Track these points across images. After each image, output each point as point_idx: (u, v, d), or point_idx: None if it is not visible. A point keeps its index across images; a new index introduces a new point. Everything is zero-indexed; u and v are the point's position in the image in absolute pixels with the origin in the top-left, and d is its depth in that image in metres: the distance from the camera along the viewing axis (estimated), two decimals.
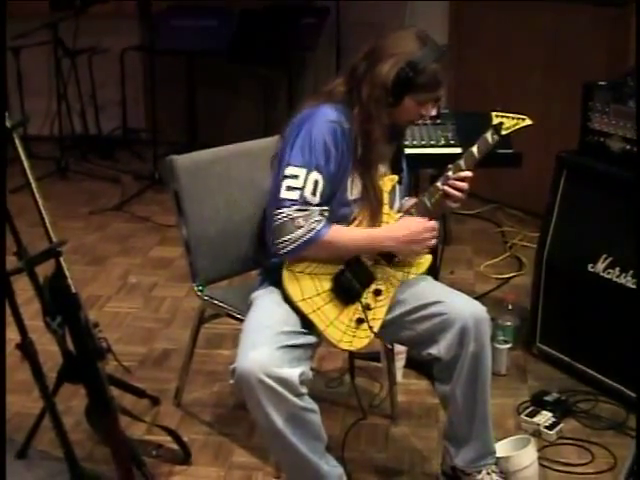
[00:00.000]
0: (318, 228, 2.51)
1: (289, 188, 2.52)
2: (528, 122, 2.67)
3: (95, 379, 2.65)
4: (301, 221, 2.50)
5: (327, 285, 2.61)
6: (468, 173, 2.64)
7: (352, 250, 2.62)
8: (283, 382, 2.39)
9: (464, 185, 2.64)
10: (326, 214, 2.56)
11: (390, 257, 2.69)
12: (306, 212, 2.51)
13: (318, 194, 2.53)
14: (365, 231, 2.63)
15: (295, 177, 2.52)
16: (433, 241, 2.64)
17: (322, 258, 2.59)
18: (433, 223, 2.64)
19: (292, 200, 2.51)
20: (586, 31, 4.81)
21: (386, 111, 2.56)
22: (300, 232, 2.50)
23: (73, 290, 2.59)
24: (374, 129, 2.56)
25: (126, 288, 4.38)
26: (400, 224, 2.64)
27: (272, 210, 2.55)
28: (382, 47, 2.55)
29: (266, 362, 2.40)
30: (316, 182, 2.52)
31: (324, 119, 2.55)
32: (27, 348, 2.49)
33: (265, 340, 2.46)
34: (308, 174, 2.52)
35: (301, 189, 2.51)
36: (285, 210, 2.51)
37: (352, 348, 2.65)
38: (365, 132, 2.56)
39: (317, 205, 2.53)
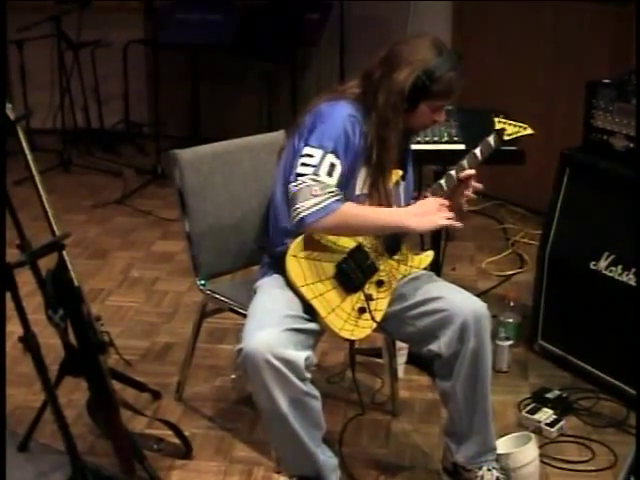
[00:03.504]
0: (334, 199, 2.51)
1: (304, 165, 2.54)
2: (530, 131, 2.76)
3: (97, 372, 2.66)
4: (317, 190, 2.50)
5: (330, 272, 2.63)
6: (472, 171, 2.68)
7: (371, 221, 2.60)
8: (289, 364, 2.42)
9: (479, 185, 2.69)
10: (342, 197, 2.57)
11: (393, 250, 2.71)
12: (322, 184, 2.51)
13: (335, 176, 2.54)
14: (385, 209, 2.65)
15: (311, 156, 2.54)
16: (447, 214, 2.62)
17: (337, 232, 2.60)
18: (443, 200, 2.64)
19: (307, 174, 2.52)
20: (589, 29, 4.80)
21: (401, 117, 2.59)
22: (315, 200, 2.50)
23: (76, 283, 2.60)
24: (390, 135, 2.60)
25: (128, 282, 4.38)
26: (411, 206, 2.66)
27: (288, 187, 2.57)
28: (398, 54, 2.58)
29: (273, 343, 2.42)
30: (332, 165, 2.54)
31: (345, 112, 2.59)
32: (29, 341, 2.50)
33: (271, 322, 2.49)
34: (324, 155, 2.53)
35: (316, 167, 2.52)
36: (301, 179, 2.52)
37: (353, 337, 2.66)
38: (381, 138, 2.60)
39: (335, 186, 2.53)
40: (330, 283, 2.63)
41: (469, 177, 2.68)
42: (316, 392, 2.55)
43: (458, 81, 2.60)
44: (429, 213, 2.60)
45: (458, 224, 2.63)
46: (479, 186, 2.70)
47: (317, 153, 2.54)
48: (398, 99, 2.56)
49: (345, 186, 2.60)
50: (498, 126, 2.71)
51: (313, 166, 2.53)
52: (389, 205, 2.68)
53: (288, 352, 2.43)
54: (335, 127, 2.56)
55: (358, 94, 2.64)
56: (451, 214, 2.63)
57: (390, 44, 2.64)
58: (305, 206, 2.50)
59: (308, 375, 2.48)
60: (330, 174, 2.53)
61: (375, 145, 2.60)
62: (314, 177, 2.51)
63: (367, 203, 2.66)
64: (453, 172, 2.68)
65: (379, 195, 2.65)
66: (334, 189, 2.52)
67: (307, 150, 2.56)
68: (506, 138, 2.71)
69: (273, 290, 2.66)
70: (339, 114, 2.58)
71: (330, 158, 2.54)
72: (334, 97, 2.65)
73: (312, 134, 2.58)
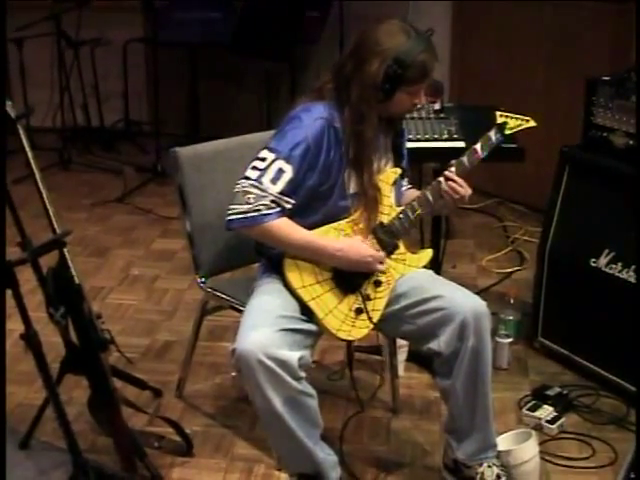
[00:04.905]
0: (264, 212, 2.52)
1: (253, 167, 2.55)
2: (532, 124, 2.71)
3: (98, 370, 2.67)
4: (251, 198, 2.51)
5: (327, 274, 2.63)
6: (459, 180, 2.64)
7: (294, 249, 2.60)
8: (282, 364, 2.41)
9: (460, 183, 2.64)
10: (287, 205, 2.55)
11: (391, 249, 2.70)
12: (260, 193, 2.51)
13: (280, 183, 2.52)
14: (315, 237, 2.61)
15: (262, 160, 2.55)
16: (379, 268, 2.63)
17: (266, 243, 2.63)
18: (383, 255, 2.64)
19: (251, 178, 2.53)
20: (589, 27, 4.80)
21: (378, 107, 2.56)
22: (245, 208, 2.52)
23: (76, 281, 2.61)
24: (366, 130, 2.56)
25: (128, 280, 4.38)
26: (354, 245, 2.62)
27: None
28: (367, 45, 2.54)
29: (266, 343, 2.42)
30: (280, 170, 2.52)
31: (313, 116, 2.56)
32: (30, 339, 2.50)
33: (265, 322, 2.48)
34: (275, 160, 2.53)
35: (262, 171, 2.52)
36: (242, 182, 2.54)
37: (350, 338, 2.66)
38: (357, 133, 2.56)
39: (277, 193, 2.53)
40: (327, 284, 2.63)
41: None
42: (312, 390, 2.54)
43: (431, 61, 2.54)
44: (362, 266, 2.61)
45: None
46: (461, 183, 2.65)
47: (269, 157, 2.53)
48: (372, 92, 2.52)
49: (316, 190, 2.59)
50: (500, 120, 2.67)
51: (260, 170, 2.53)
52: (376, 204, 2.65)
53: (281, 352, 2.42)
54: (297, 133, 2.54)
55: (331, 90, 2.61)
56: (382, 267, 2.64)
57: (358, 33, 2.59)
58: (236, 210, 2.52)
59: (303, 374, 2.47)
60: (274, 181, 2.52)
61: (352, 141, 2.57)
62: (255, 183, 2.52)
63: (359, 204, 2.64)
64: (453, 168, 2.65)
65: (365, 194, 2.62)
66: (269, 202, 2.52)
67: (262, 153, 2.56)
68: (507, 132, 2.67)
69: (270, 291, 2.65)
70: (308, 119, 2.55)
71: (280, 164, 2.52)
72: (312, 98, 2.61)
73: (274, 137, 2.58)
